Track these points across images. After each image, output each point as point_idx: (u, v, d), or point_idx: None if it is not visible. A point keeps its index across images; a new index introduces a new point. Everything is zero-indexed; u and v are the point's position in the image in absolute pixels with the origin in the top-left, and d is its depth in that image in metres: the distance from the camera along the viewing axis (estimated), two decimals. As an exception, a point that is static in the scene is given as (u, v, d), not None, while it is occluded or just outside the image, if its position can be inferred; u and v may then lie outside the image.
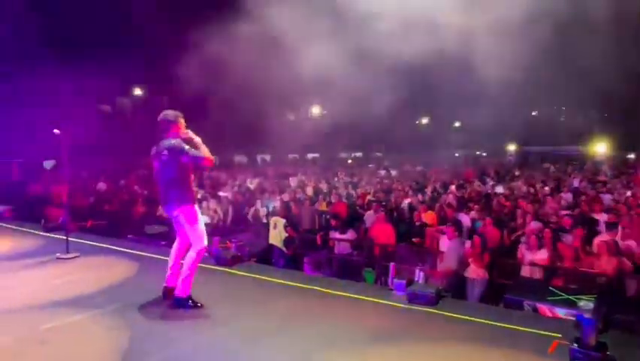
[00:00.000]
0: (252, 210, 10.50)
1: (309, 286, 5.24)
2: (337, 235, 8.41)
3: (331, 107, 35.90)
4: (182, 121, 4.42)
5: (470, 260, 6.82)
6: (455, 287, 6.57)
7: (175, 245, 4.59)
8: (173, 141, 4.32)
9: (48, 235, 7.95)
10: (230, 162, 25.66)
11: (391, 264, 5.54)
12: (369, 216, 9.65)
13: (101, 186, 14.07)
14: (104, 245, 7.26)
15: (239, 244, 6.37)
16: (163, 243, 7.87)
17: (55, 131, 6.20)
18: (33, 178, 15.06)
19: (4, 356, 3.49)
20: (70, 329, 3.99)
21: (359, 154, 35.41)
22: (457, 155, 34.05)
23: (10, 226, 8.87)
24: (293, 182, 15.21)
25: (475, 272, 6.71)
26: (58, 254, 6.33)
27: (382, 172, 19.01)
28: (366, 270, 8.04)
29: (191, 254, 4.37)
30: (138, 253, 6.66)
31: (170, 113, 4.42)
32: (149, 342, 3.74)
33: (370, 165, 22.79)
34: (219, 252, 6.07)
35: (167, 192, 4.35)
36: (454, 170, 19.08)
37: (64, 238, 6.48)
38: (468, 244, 7.13)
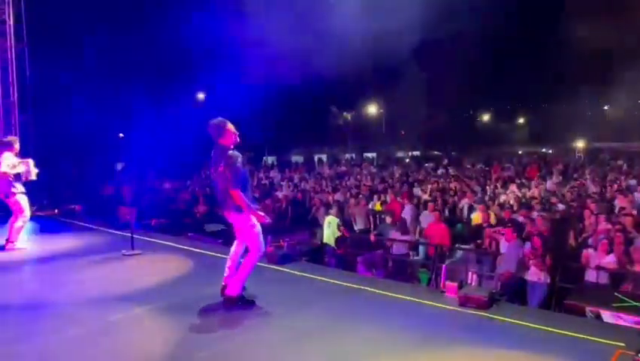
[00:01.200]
0: (313, 209, 10.61)
1: (360, 287, 5.21)
2: (396, 235, 8.31)
3: (389, 104, 35.71)
4: (230, 126, 4.47)
5: (531, 263, 6.52)
6: (514, 291, 6.31)
7: (234, 245, 4.71)
8: (232, 154, 4.36)
9: (116, 232, 8.46)
10: (287, 162, 26.07)
11: (443, 265, 5.40)
12: (424, 216, 9.46)
13: (166, 186, 14.77)
14: (166, 243, 7.62)
15: (291, 243, 6.45)
16: (220, 241, 8.14)
17: (120, 135, 6.58)
18: (106, 179, 16.08)
19: (77, 345, 3.76)
20: (130, 321, 4.23)
21: (417, 153, 34.75)
22: (520, 152, 32.55)
23: (83, 223, 9.53)
24: (348, 181, 15.21)
25: (535, 275, 6.40)
26: (123, 251, 6.71)
27: (440, 171, 18.54)
28: (421, 271, 7.91)
29: (249, 258, 4.47)
30: (198, 250, 6.94)
31: (218, 121, 4.46)
32: (200, 337, 3.89)
33: (428, 164, 22.27)
34: (272, 250, 6.19)
35: (224, 200, 4.42)
36: (517, 168, 18.26)
37: (130, 235, 6.87)
38: (528, 245, 6.82)
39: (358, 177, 16.24)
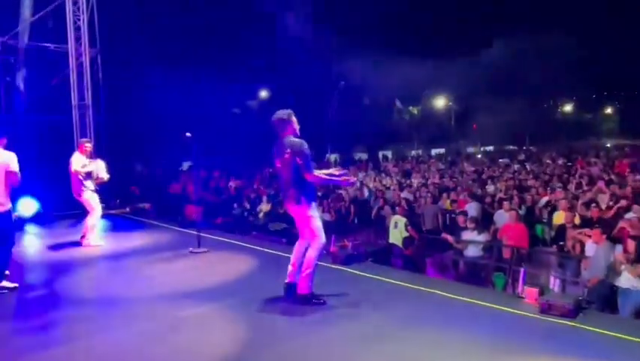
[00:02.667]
0: (376, 208, 10.55)
1: (430, 290, 5.10)
2: (470, 236, 8.05)
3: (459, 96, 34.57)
4: (294, 118, 4.58)
5: (623, 268, 6.05)
6: (603, 299, 5.89)
7: (298, 242, 4.78)
8: (296, 140, 4.47)
9: (183, 230, 8.87)
10: (350, 159, 26.01)
11: (522, 269, 5.14)
12: (499, 215, 9.08)
13: (231, 184, 15.25)
14: (231, 241, 7.89)
15: (356, 243, 6.43)
16: (284, 240, 8.29)
17: (187, 134, 6.89)
18: (173, 178, 16.88)
19: (147, 340, 3.96)
20: (199, 318, 4.40)
21: (490, 148, 33.42)
22: (608, 145, 30.37)
23: (152, 221, 10.07)
24: (415, 179, 14.93)
25: (628, 282, 5.94)
26: (190, 248, 7.02)
27: (517, 166, 17.72)
28: (495, 274, 7.60)
29: (310, 252, 4.54)
30: (262, 249, 7.11)
31: (283, 113, 4.57)
32: (266, 336, 3.97)
33: (502, 160, 21.36)
34: (336, 250, 6.20)
35: (287, 191, 4.55)
36: (605, 162, 17.04)
37: (197, 233, 7.17)
38: (619, 248, 6.34)
39: (426, 174, 15.90)
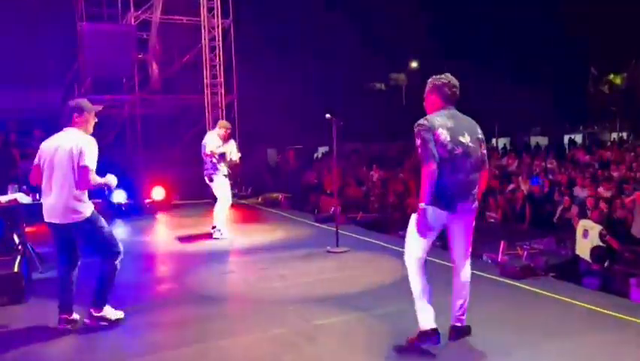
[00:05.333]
0: (559, 209, 9.89)
1: (633, 319, 4.62)
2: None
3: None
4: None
5: None
6: None
7: (454, 272, 4.16)
8: (472, 122, 3.96)
9: (319, 225, 9.22)
10: (525, 145, 24.56)
11: None
12: None
13: (373, 175, 15.47)
14: (375, 241, 8.00)
15: (532, 252, 6.10)
16: (438, 243, 8.15)
17: (327, 116, 7.10)
18: (308, 166, 17.67)
19: (282, 347, 4.19)
20: (336, 328, 4.53)
21: None
22: None
23: (285, 213, 10.65)
24: (616, 172, 13.58)
25: None
26: (328, 247, 7.27)
27: None
28: None
29: (467, 274, 4.09)
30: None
31: (448, 79, 3.96)
32: (407, 354, 3.95)
33: None
34: (506, 260, 5.93)
35: (470, 188, 3.89)
36: None
37: (335, 230, 7.40)
38: None
39: (634, 164, 14.33)
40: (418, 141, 3.72)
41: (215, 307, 5.16)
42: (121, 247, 4.53)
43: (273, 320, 4.74)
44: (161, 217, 10.85)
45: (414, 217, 3.87)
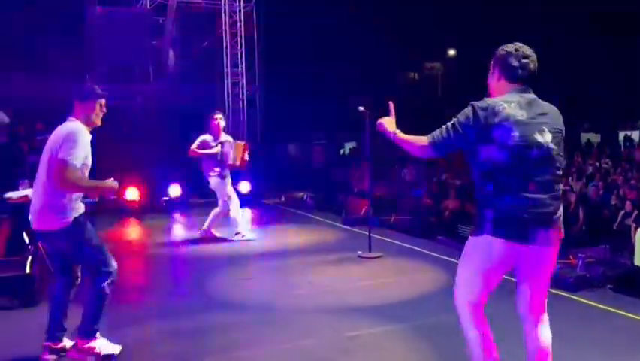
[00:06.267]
0: (621, 214, 9.65)
1: None
2: None
3: None
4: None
5: None
6: None
7: (528, 328, 3.25)
8: (555, 110, 3.12)
9: (348, 228, 9.21)
10: (575, 141, 24.06)
11: None
12: None
13: (407, 173, 15.36)
14: (409, 245, 7.97)
15: (587, 261, 6.00)
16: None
17: (361, 108, 7.08)
18: (335, 163, 17.67)
19: (312, 359, 4.20)
20: (369, 341, 4.51)
21: None
22: None
23: (310, 215, 10.67)
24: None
25: None
26: (359, 252, 7.27)
27: None
28: None
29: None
30: (449, 259, 7.02)
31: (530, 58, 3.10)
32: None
33: None
34: (558, 270, 5.84)
35: (553, 200, 2.96)
36: None
37: (366, 233, 7.39)
38: None
39: None
40: (453, 120, 2.97)
41: (238, 315, 5.20)
42: (113, 266, 3.96)
43: (300, 331, 4.75)
44: (179, 217, 10.97)
45: (470, 242, 3.07)
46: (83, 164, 3.78)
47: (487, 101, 2.93)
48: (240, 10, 13.01)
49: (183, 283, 6.57)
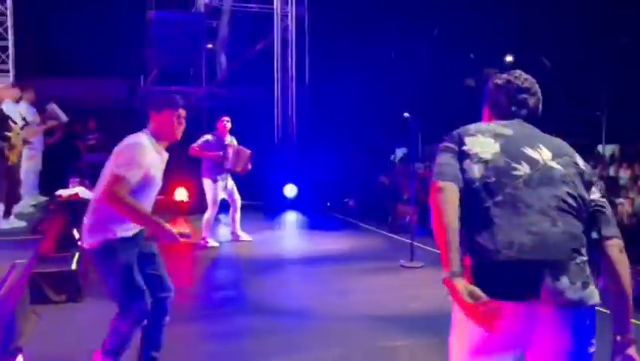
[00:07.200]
0: None
1: None
2: None
3: None
4: None
5: None
6: None
7: None
8: (563, 143, 2.56)
9: (393, 236, 9.16)
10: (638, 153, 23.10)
11: None
12: None
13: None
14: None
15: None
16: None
17: (406, 114, 7.06)
18: (383, 170, 17.55)
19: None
20: (404, 352, 4.47)
21: None
22: None
23: (356, 221, 10.67)
24: None
25: None
26: (402, 261, 7.22)
27: None
28: None
29: None
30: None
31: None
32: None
33: None
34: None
35: (562, 237, 2.31)
36: None
37: (410, 242, 7.34)
38: None
39: None
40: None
41: (272, 320, 5.23)
42: (145, 302, 3.41)
43: (334, 338, 4.75)
44: (223, 217, 11.14)
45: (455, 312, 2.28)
46: (142, 185, 3.36)
47: (465, 127, 2.31)
48: (291, 14, 13.12)
49: (219, 286, 6.67)
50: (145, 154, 3.33)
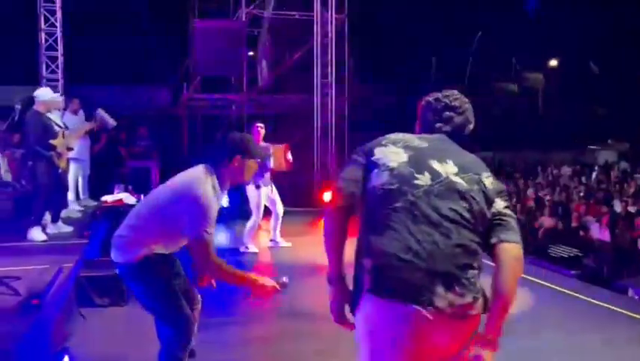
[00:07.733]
0: None
1: None
2: None
3: None
4: None
5: None
6: None
7: None
8: (478, 160, 2.66)
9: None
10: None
11: None
12: None
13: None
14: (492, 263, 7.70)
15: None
16: (573, 272, 7.74)
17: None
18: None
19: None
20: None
21: None
22: None
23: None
24: None
25: None
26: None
27: None
28: None
29: None
30: (538, 281, 6.74)
31: None
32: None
33: None
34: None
35: (452, 250, 2.36)
36: None
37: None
38: None
39: None
40: None
41: (310, 325, 5.21)
42: (191, 332, 3.22)
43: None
44: (262, 224, 11.19)
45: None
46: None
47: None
48: (331, 22, 13.13)
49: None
50: (214, 209, 3.00)
